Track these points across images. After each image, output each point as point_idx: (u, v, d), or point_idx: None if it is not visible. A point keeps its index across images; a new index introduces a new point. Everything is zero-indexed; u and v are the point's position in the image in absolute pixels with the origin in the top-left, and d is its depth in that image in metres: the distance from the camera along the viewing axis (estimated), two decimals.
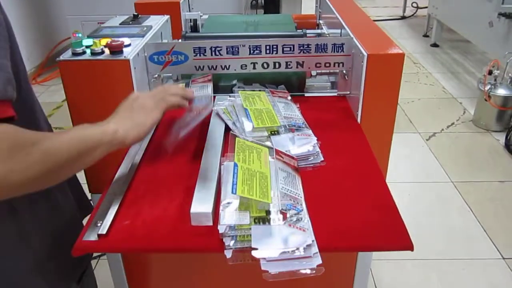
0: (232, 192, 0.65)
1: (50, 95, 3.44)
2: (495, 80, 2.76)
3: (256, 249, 0.62)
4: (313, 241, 0.63)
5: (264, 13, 3.85)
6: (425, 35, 4.73)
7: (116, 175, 0.83)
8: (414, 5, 5.48)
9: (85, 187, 1.05)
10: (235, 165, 0.72)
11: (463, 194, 2.24)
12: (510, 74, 2.74)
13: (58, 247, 0.81)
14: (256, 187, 0.68)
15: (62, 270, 0.82)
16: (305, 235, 0.63)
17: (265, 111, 0.93)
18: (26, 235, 0.76)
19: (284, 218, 0.66)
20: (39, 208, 0.78)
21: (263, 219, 0.65)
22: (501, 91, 2.71)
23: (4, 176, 0.53)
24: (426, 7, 4.63)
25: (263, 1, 3.90)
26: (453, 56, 4.17)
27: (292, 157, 0.81)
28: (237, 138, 0.80)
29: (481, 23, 3.23)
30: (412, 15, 5.53)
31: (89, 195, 1.11)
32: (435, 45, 4.40)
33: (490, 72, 2.76)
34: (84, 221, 0.91)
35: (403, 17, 5.53)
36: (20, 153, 0.55)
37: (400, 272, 1.79)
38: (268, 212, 0.67)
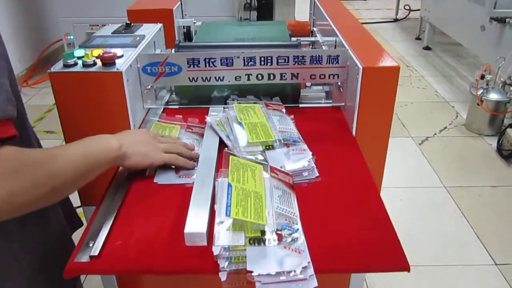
0: (226, 215, 0.64)
1: (41, 98, 3.40)
2: (487, 84, 2.78)
3: (251, 271, 0.61)
4: (309, 262, 0.62)
5: (258, 15, 3.83)
6: (418, 38, 4.75)
7: (109, 191, 0.81)
8: (407, 7, 5.50)
9: (77, 199, 1.04)
10: (229, 185, 0.71)
11: (456, 199, 2.25)
12: (502, 79, 2.76)
13: (47, 264, 0.79)
14: (250, 208, 0.67)
15: (52, 287, 0.81)
16: (301, 257, 0.62)
17: (260, 125, 0.92)
18: (15, 253, 0.74)
19: (280, 239, 0.65)
20: (29, 226, 0.76)
21: (258, 239, 0.64)
22: (493, 96, 2.73)
23: (9, 197, 0.54)
24: (419, 10, 4.64)
25: (256, 3, 3.89)
26: (446, 59, 4.19)
27: (287, 174, 0.80)
28: (231, 156, 0.79)
29: (473, 27, 3.25)
30: (405, 17, 5.55)
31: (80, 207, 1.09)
32: (427, 48, 4.42)
33: (482, 77, 2.77)
34: (75, 235, 0.91)
35: (395, 20, 5.55)
36: (25, 174, 0.57)
37: (392, 277, 1.79)
38: (263, 232, 0.66)
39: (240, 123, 0.92)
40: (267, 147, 0.87)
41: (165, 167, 0.85)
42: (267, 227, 0.66)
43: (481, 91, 2.75)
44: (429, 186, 2.37)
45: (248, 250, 0.63)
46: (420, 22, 4.69)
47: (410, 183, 2.40)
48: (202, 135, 0.96)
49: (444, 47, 4.45)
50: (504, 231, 2.04)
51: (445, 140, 2.82)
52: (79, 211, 1.04)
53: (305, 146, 0.89)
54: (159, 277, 0.81)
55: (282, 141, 0.89)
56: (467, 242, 1.98)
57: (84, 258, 0.66)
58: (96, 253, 0.66)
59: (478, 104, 2.75)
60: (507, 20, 2.88)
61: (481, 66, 2.87)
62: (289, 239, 0.65)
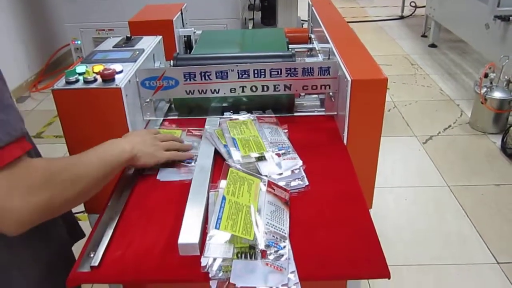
0: (215, 227, 0.68)
1: (50, 102, 3.46)
2: (491, 83, 2.77)
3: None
4: (289, 279, 0.65)
5: (262, 15, 3.86)
6: (424, 35, 4.74)
7: (110, 202, 0.86)
8: (413, 4, 5.48)
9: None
10: (223, 198, 0.74)
11: (459, 199, 2.26)
12: (506, 77, 2.75)
13: (50, 274, 0.84)
14: (240, 222, 0.70)
15: None
16: (283, 275, 0.65)
17: (252, 139, 0.95)
18: (20, 263, 0.79)
19: (263, 256, 0.68)
20: (32, 237, 0.81)
21: (246, 253, 0.68)
22: (497, 94, 2.73)
23: (48, 201, 0.64)
24: (425, 6, 4.63)
25: (260, 4, 3.92)
26: (451, 56, 4.18)
27: (285, 190, 0.83)
28: (230, 169, 0.82)
29: (478, 25, 3.24)
30: (411, 14, 5.54)
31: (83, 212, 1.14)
32: (433, 45, 4.41)
33: (486, 75, 2.77)
34: (79, 244, 0.95)
35: (401, 17, 5.53)
36: (56, 180, 0.65)
37: (396, 277, 1.82)
38: (251, 247, 0.69)
39: (233, 139, 0.95)
40: (259, 158, 0.90)
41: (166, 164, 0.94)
42: (255, 242, 0.69)
43: (485, 89, 2.75)
44: (432, 186, 2.38)
45: (234, 263, 0.66)
46: (426, 20, 4.68)
47: (414, 183, 2.42)
48: (201, 137, 1.03)
49: (449, 44, 4.43)
50: (506, 230, 2.05)
51: (449, 138, 2.82)
52: (83, 215, 1.09)
53: (296, 155, 0.92)
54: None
55: (273, 151, 0.92)
56: (469, 241, 2.00)
57: (86, 268, 0.71)
58: (96, 264, 0.71)
59: (482, 103, 2.75)
60: (511, 18, 2.87)
61: (486, 63, 2.86)
62: (272, 257, 0.68)
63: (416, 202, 2.27)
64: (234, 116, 1.06)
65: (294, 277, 0.66)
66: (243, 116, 1.06)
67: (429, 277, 1.82)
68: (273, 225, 0.73)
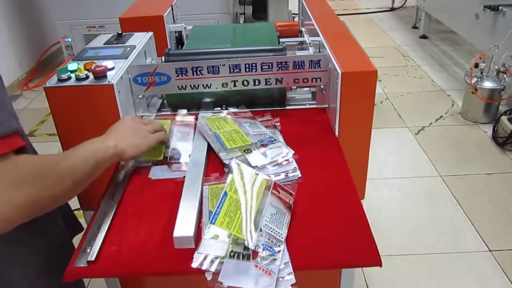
0: (211, 222, 0.69)
1: (41, 100, 3.45)
2: (482, 73, 2.80)
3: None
4: (286, 263, 0.67)
5: (253, 9, 3.86)
6: (414, 27, 4.76)
7: (104, 197, 0.87)
8: None
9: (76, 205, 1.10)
10: (225, 194, 0.73)
11: (451, 188, 2.29)
12: (496, 67, 2.78)
13: (49, 268, 0.85)
14: (237, 221, 0.70)
15: None
16: (271, 279, 0.65)
17: (234, 132, 0.96)
18: (18, 260, 0.80)
19: (254, 257, 0.67)
20: (29, 233, 0.82)
21: (239, 254, 0.67)
22: (488, 84, 2.75)
23: (33, 197, 0.63)
24: None
25: None
26: (442, 47, 4.21)
27: (290, 194, 0.82)
28: (239, 166, 0.81)
29: (468, 16, 3.27)
30: (401, 6, 5.55)
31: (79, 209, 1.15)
32: (424, 36, 4.43)
33: (476, 65, 2.79)
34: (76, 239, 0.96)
35: (392, 9, 5.55)
36: (42, 176, 0.65)
37: (389, 267, 1.84)
38: (245, 247, 0.68)
39: (215, 133, 0.96)
40: (245, 151, 0.91)
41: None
42: (247, 243, 0.69)
43: (475, 79, 2.78)
44: (425, 176, 2.41)
45: (225, 262, 0.66)
46: (416, 11, 4.70)
47: (407, 173, 2.44)
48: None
49: (440, 35, 4.46)
50: (497, 218, 2.08)
51: (441, 129, 2.85)
52: (79, 212, 1.09)
53: (281, 143, 0.93)
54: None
55: (258, 143, 0.93)
56: (461, 230, 2.03)
57: (82, 263, 0.72)
58: (93, 258, 0.71)
59: (472, 93, 2.78)
60: (500, 8, 2.89)
61: (477, 54, 2.89)
62: (264, 260, 0.67)
63: (408, 193, 2.29)
64: (210, 114, 1.06)
65: (287, 268, 0.67)
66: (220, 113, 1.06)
67: (422, 266, 1.84)
68: (271, 227, 0.72)
